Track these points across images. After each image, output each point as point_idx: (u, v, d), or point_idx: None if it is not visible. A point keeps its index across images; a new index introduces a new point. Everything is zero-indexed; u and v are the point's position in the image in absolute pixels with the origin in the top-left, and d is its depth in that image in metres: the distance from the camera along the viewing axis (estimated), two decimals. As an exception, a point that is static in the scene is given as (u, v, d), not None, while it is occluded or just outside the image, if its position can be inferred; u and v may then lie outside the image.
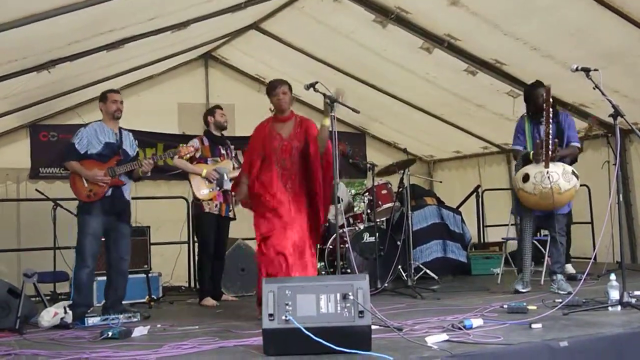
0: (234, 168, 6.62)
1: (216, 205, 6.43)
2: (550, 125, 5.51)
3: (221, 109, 6.71)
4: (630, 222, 8.27)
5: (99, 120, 5.56)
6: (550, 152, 5.56)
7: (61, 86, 7.05)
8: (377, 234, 6.88)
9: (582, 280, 5.31)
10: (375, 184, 7.19)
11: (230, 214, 6.59)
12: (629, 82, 6.94)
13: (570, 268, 7.17)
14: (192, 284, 7.87)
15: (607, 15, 5.98)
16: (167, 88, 9.13)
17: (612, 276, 4.80)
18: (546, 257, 6.55)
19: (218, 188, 6.41)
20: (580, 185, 7.96)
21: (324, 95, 4.85)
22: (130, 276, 5.96)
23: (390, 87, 8.87)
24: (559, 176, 5.57)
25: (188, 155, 6.30)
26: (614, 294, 4.71)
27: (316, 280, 3.69)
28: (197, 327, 4.79)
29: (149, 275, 6.87)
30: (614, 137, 4.99)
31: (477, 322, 4.15)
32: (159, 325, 4.91)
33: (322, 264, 7.08)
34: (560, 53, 6.76)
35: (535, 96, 5.95)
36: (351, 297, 3.48)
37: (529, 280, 6.02)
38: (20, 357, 3.91)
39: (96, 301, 6.14)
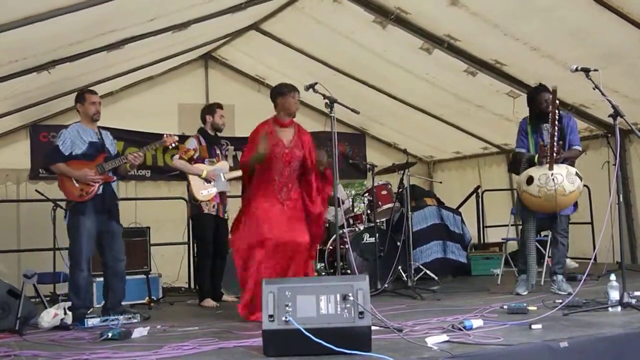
0: (230, 169, 6.62)
1: (214, 206, 6.43)
2: (555, 128, 5.51)
3: (222, 108, 6.64)
4: (630, 223, 8.26)
5: (78, 121, 5.52)
6: (555, 155, 5.57)
7: (61, 87, 7.04)
8: (377, 235, 6.88)
9: (582, 281, 5.32)
10: (375, 184, 7.19)
11: (226, 215, 6.60)
12: (628, 82, 6.94)
13: (570, 262, 7.18)
14: (192, 285, 7.87)
15: (606, 15, 5.98)
16: (167, 89, 9.12)
17: (612, 277, 4.81)
18: (546, 258, 6.55)
19: (216, 189, 6.40)
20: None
21: (324, 96, 4.85)
22: (130, 277, 5.97)
23: (390, 88, 8.87)
24: (563, 178, 5.57)
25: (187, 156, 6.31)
26: (614, 295, 4.71)
27: (316, 281, 3.69)
28: (197, 328, 4.79)
29: (149, 276, 6.87)
30: (614, 138, 4.99)
31: (477, 322, 4.15)
32: (158, 326, 4.91)
33: (322, 264, 7.08)
34: (560, 53, 6.76)
35: (539, 100, 5.97)
36: (351, 298, 3.48)
37: (533, 283, 6.00)
38: (20, 358, 3.91)
39: (96, 302, 6.14)
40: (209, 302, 6.33)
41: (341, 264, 6.07)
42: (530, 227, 6.04)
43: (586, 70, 4.94)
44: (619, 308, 4.65)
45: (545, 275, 6.61)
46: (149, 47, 6.93)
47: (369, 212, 7.25)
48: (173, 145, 6.00)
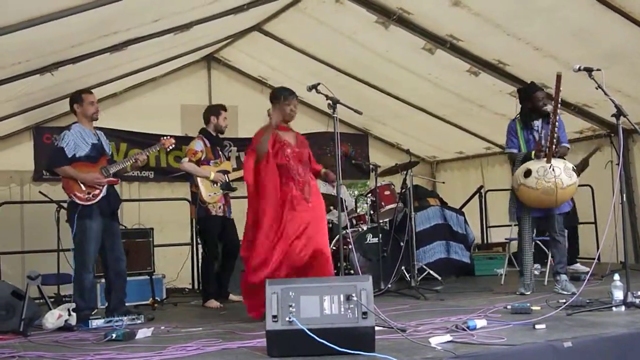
0: (233, 170, 6.62)
1: (220, 207, 6.44)
2: (557, 117, 5.53)
3: (226, 110, 6.63)
4: (634, 222, 8.25)
5: (76, 122, 5.49)
6: (554, 146, 5.57)
7: (64, 88, 7.04)
8: (380, 235, 6.88)
9: (586, 281, 5.30)
10: (378, 185, 7.19)
11: (231, 216, 6.61)
12: (631, 81, 6.93)
13: (579, 267, 7.17)
14: (196, 286, 7.88)
15: (609, 15, 5.98)
16: (170, 90, 9.14)
17: (616, 276, 4.80)
18: (549, 258, 6.54)
19: (221, 190, 6.41)
20: (584, 185, 8.03)
21: (326, 96, 4.85)
22: (133, 278, 5.98)
23: (393, 88, 8.87)
24: (561, 171, 5.59)
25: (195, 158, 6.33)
26: (618, 294, 4.70)
27: (320, 282, 3.69)
28: (200, 328, 4.79)
29: (153, 277, 6.88)
30: (617, 137, 4.99)
31: (480, 322, 4.15)
32: (162, 327, 4.91)
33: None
34: (563, 53, 6.76)
35: (536, 98, 6.00)
36: (355, 298, 3.48)
37: (530, 283, 5.99)
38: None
39: (100, 303, 6.15)
40: (213, 303, 6.34)
41: (345, 264, 6.09)
42: (526, 226, 6.02)
43: (589, 70, 4.93)
44: (623, 308, 4.64)
45: (548, 275, 6.60)
46: (152, 49, 6.95)
47: (372, 212, 7.25)
48: (171, 147, 6.02)
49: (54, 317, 5.11)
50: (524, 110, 6.10)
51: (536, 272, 7.38)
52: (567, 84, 6.95)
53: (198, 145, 6.42)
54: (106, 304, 5.58)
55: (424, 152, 11.01)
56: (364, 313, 3.45)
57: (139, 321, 5.26)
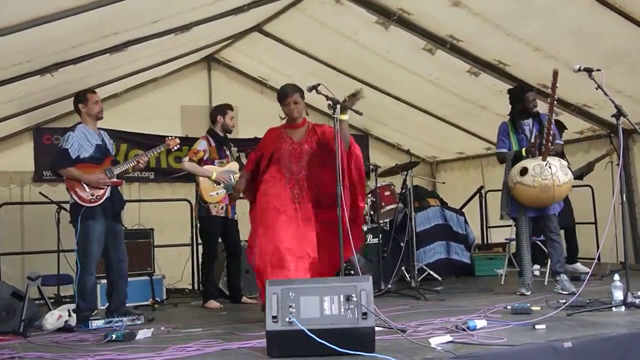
0: (239, 170, 6.61)
1: (222, 208, 6.42)
2: (553, 114, 5.58)
3: (232, 109, 6.60)
4: (634, 222, 8.24)
5: (80, 123, 5.49)
6: (550, 144, 5.59)
7: (65, 89, 7.05)
8: (380, 236, 6.88)
9: (585, 281, 5.30)
10: (379, 185, 7.19)
11: (236, 217, 6.59)
12: (631, 82, 6.93)
13: (580, 266, 7.17)
14: (196, 287, 7.89)
15: (609, 15, 5.98)
16: (170, 90, 9.14)
17: (616, 276, 4.80)
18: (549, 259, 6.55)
19: (225, 191, 6.39)
20: (584, 186, 8.03)
21: (327, 97, 4.85)
22: (133, 279, 5.98)
23: (393, 89, 8.87)
24: (557, 168, 5.61)
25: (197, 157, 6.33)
26: (618, 295, 4.70)
27: (320, 282, 3.69)
28: (200, 329, 4.79)
29: (153, 277, 6.88)
30: (617, 137, 4.99)
31: (481, 323, 4.15)
32: (162, 328, 4.91)
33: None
34: (563, 53, 6.76)
35: (527, 99, 6.06)
36: (355, 299, 3.48)
37: (530, 283, 6.00)
38: (25, 360, 3.93)
39: (100, 304, 6.15)
40: (213, 304, 6.34)
41: (345, 264, 6.08)
42: (523, 227, 6.02)
43: (589, 70, 4.94)
44: (623, 308, 4.64)
45: (548, 275, 6.60)
46: (152, 50, 6.95)
47: (372, 213, 7.25)
48: (176, 148, 6.00)
49: (53, 318, 5.12)
50: (514, 111, 6.14)
51: (536, 273, 7.40)
52: (567, 84, 6.97)
53: (200, 145, 6.42)
54: (106, 305, 5.58)
55: (424, 153, 11.01)
56: (364, 313, 3.45)
57: (139, 322, 5.27)
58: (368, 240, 6.90)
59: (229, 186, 6.37)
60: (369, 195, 7.43)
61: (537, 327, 4.06)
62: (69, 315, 5.16)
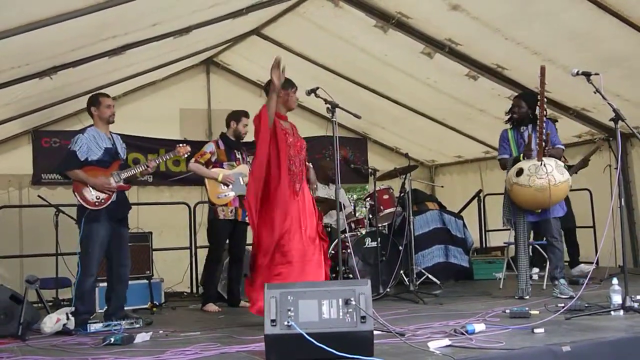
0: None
1: (231, 211, 6.40)
2: (544, 113, 5.63)
3: (248, 117, 6.56)
4: (632, 226, 8.25)
5: (92, 126, 5.52)
6: (544, 143, 5.60)
7: (63, 92, 7.06)
8: (379, 239, 6.88)
9: (584, 285, 5.31)
10: (377, 189, 7.19)
11: (247, 219, 6.56)
12: (629, 85, 6.94)
13: (584, 267, 7.20)
14: (194, 290, 7.88)
15: (607, 19, 5.99)
16: (169, 94, 9.15)
17: (615, 280, 4.81)
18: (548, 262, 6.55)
19: (234, 193, 6.38)
20: (582, 189, 8.03)
21: (325, 100, 4.85)
22: (132, 282, 5.97)
23: (392, 92, 8.88)
24: (552, 168, 5.63)
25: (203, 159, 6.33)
26: (617, 299, 4.71)
27: (318, 286, 3.69)
28: (199, 332, 4.79)
29: (151, 281, 6.87)
30: (615, 141, 5.00)
31: (479, 327, 4.15)
32: (161, 331, 4.91)
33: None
34: (561, 57, 6.77)
35: (511, 108, 6.22)
36: (353, 303, 3.47)
37: (525, 287, 5.98)
38: (23, 364, 3.92)
39: (98, 307, 6.15)
40: (212, 307, 6.33)
41: (343, 268, 6.09)
42: (521, 231, 6.02)
43: (587, 74, 4.95)
44: (622, 312, 4.65)
45: (547, 279, 6.60)
46: (151, 53, 6.95)
47: (370, 216, 7.25)
48: (186, 155, 6.05)
49: (52, 321, 5.10)
50: (524, 114, 6.11)
51: (535, 277, 7.40)
52: (565, 88, 7.01)
53: (208, 147, 6.47)
54: (105, 308, 5.58)
55: (422, 156, 11.02)
56: (363, 317, 3.45)
57: (138, 325, 5.25)
58: (367, 243, 6.90)
59: (239, 188, 6.33)
60: (368, 198, 7.44)
61: (535, 331, 4.06)
62: (68, 318, 5.15)
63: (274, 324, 3.45)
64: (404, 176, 7.13)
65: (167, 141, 8.80)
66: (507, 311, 4.87)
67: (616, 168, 4.99)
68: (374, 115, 9.32)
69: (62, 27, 4.78)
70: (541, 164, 5.60)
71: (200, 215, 8.23)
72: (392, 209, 7.30)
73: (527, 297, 5.89)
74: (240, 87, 9.64)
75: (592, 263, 6.66)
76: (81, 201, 5.32)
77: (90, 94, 5.70)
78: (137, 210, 8.23)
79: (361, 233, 7.04)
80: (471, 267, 8.20)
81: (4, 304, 5.11)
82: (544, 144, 5.67)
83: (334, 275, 6.88)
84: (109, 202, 5.36)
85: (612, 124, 4.96)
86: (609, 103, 4.85)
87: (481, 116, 8.74)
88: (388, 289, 6.65)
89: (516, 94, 7.68)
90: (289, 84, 5.11)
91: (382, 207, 7.23)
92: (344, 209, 7.46)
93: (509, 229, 6.98)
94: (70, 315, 5.17)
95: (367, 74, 8.44)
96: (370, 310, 3.49)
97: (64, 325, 5.10)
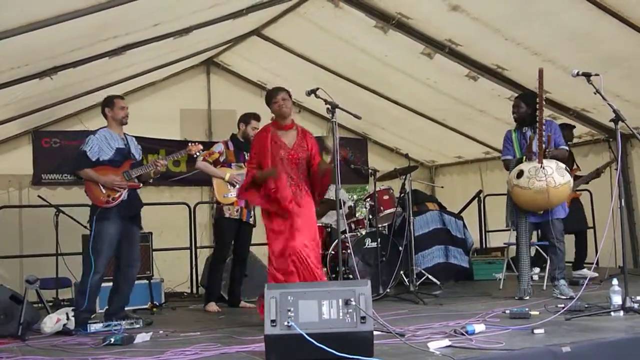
0: None
1: (237, 210, 6.42)
2: (543, 113, 5.63)
3: (258, 120, 6.56)
4: (633, 227, 8.25)
5: (105, 127, 5.57)
6: (545, 146, 5.60)
7: (63, 93, 7.06)
8: (379, 240, 6.88)
9: (584, 285, 5.31)
10: (377, 189, 7.19)
11: (251, 220, 6.57)
12: (630, 86, 6.94)
13: (587, 272, 7.22)
14: (194, 290, 7.88)
15: (607, 19, 5.99)
16: (169, 94, 9.15)
17: (615, 281, 4.81)
18: (548, 263, 6.55)
19: None
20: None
21: (325, 101, 4.85)
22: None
23: (392, 93, 8.88)
24: (553, 170, 5.63)
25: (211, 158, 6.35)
26: (617, 299, 4.71)
27: (318, 286, 3.69)
28: (199, 333, 4.80)
29: (151, 281, 6.87)
30: (615, 142, 5.00)
31: (479, 327, 4.15)
32: (161, 332, 4.92)
33: (324, 269, 7.07)
34: (561, 58, 6.77)
35: (513, 105, 6.18)
36: (353, 303, 3.48)
37: (526, 288, 5.99)
38: (23, 364, 3.92)
39: (99, 307, 6.14)
40: (212, 307, 6.33)
41: (343, 269, 6.08)
42: (522, 232, 6.02)
43: (587, 75, 4.95)
44: (622, 313, 4.65)
45: (547, 280, 6.60)
46: (151, 53, 6.96)
47: (370, 217, 7.24)
48: (198, 153, 6.10)
49: (52, 321, 5.11)
50: (524, 114, 6.11)
51: (535, 277, 7.40)
52: (565, 89, 7.00)
53: (217, 147, 6.51)
54: (105, 308, 5.58)
55: (422, 157, 11.02)
56: (363, 318, 3.45)
57: (138, 325, 5.26)
58: (367, 244, 6.90)
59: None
60: (368, 199, 7.44)
61: (535, 331, 4.06)
62: (68, 318, 5.16)
63: (274, 324, 3.45)
64: (404, 177, 7.12)
65: (168, 141, 8.81)
66: (507, 312, 4.87)
67: (616, 169, 4.99)
68: (374, 116, 9.32)
69: (62, 28, 4.78)
70: (541, 166, 5.60)
71: (200, 216, 8.26)
72: (392, 210, 7.30)
73: (527, 297, 5.89)
74: (240, 88, 9.64)
75: (596, 275, 6.70)
76: (92, 200, 5.36)
77: (105, 96, 5.74)
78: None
79: (361, 233, 7.03)
80: (471, 268, 8.20)
81: (4, 304, 5.12)
82: (544, 145, 5.66)
83: (334, 275, 6.90)
84: (120, 200, 5.39)
85: (612, 124, 4.96)
86: (609, 104, 4.85)
87: (481, 117, 8.74)
88: (388, 290, 6.65)
89: (516, 94, 7.71)
90: (275, 92, 5.13)
91: (382, 208, 7.22)
92: (344, 205, 7.45)
93: (509, 230, 6.99)
94: (70, 315, 5.18)
95: (367, 74, 8.44)
96: (370, 311, 3.49)
97: (64, 325, 5.11)
